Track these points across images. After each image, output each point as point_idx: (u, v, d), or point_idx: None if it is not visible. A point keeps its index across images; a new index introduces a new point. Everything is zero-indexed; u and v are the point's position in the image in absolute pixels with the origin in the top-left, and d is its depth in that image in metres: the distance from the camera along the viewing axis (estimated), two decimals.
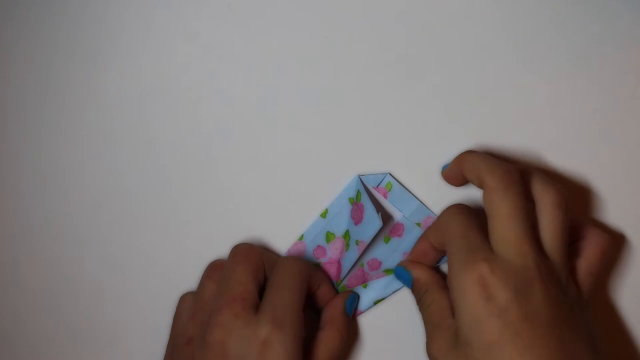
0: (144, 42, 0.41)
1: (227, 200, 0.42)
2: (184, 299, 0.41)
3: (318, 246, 0.41)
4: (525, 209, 0.35)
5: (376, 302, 0.41)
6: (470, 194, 0.41)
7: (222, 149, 0.42)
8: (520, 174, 0.36)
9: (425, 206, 0.41)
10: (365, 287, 0.41)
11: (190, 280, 0.42)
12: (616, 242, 0.41)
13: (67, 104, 0.42)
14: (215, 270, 0.40)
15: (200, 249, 0.42)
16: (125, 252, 0.42)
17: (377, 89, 0.41)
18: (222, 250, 0.42)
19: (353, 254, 0.40)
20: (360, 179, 0.41)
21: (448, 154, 0.41)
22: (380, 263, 0.41)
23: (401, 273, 0.40)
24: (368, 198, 0.40)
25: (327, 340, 0.39)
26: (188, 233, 0.42)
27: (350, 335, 0.41)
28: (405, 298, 0.41)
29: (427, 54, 0.40)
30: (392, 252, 0.41)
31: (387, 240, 0.40)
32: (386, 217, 0.41)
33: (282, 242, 0.41)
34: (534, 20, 0.40)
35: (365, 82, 0.41)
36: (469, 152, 0.38)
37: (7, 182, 0.42)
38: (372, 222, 0.39)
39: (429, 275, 0.39)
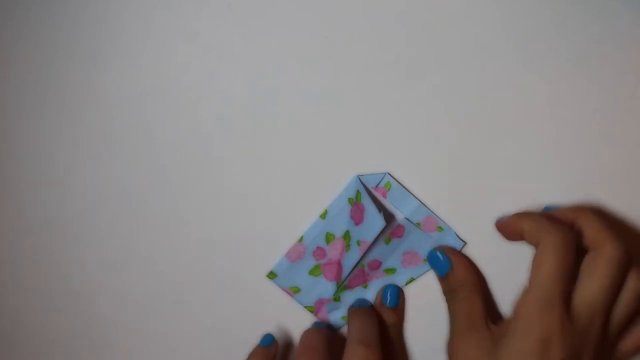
0: (144, 42, 0.41)
1: (227, 200, 0.42)
2: None
3: (318, 247, 0.41)
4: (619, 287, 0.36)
5: None
6: (474, 196, 0.41)
7: (222, 149, 0.41)
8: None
9: (425, 206, 0.41)
10: (365, 287, 0.41)
11: (190, 280, 0.42)
12: None
13: (67, 104, 0.42)
14: None
15: (200, 249, 0.42)
16: (125, 252, 0.42)
17: (377, 89, 0.41)
18: (222, 250, 0.42)
19: (355, 254, 0.40)
20: (360, 179, 0.41)
21: (448, 154, 0.41)
22: (381, 263, 0.41)
23: (437, 258, 0.40)
24: (369, 198, 0.40)
25: None
26: (188, 233, 0.42)
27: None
28: (406, 298, 0.41)
29: (427, 54, 0.40)
30: (392, 252, 0.41)
31: (387, 242, 0.40)
32: (388, 217, 0.41)
33: (282, 243, 0.41)
34: (534, 20, 0.40)
35: (365, 82, 0.41)
36: (592, 212, 0.37)
37: (7, 182, 0.42)
38: (374, 221, 0.39)
39: (469, 270, 0.39)
